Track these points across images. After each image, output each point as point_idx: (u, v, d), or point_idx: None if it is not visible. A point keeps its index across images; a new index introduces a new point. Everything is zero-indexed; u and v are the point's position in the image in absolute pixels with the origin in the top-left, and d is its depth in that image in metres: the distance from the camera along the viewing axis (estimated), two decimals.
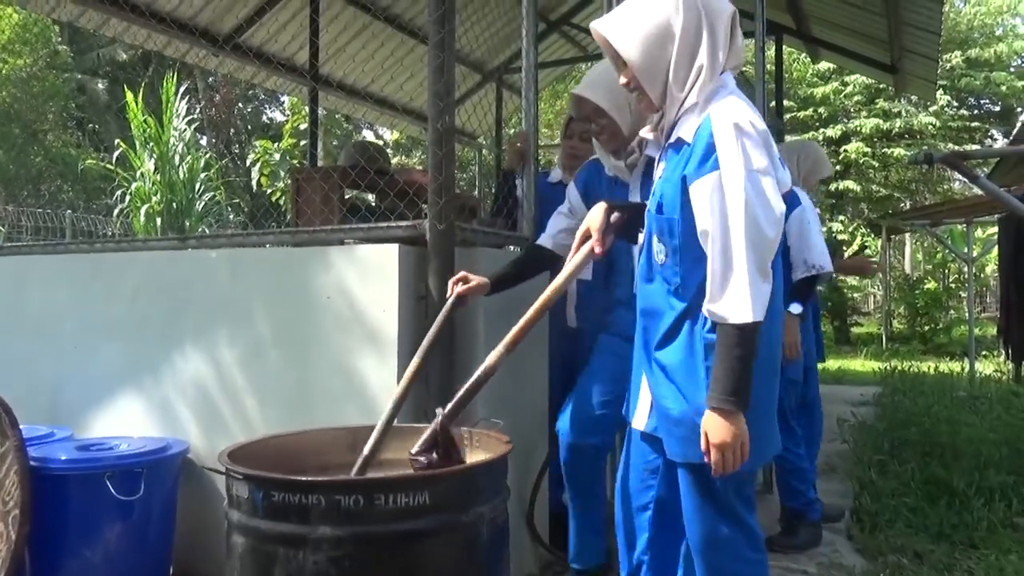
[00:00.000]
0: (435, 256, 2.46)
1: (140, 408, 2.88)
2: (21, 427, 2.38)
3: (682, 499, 1.81)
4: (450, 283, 2.27)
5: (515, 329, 1.93)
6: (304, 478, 1.72)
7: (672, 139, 1.78)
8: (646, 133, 1.91)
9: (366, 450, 1.96)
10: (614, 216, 1.93)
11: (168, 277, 2.90)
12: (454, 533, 1.66)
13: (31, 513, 2.28)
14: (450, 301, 2.23)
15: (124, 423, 2.89)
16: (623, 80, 1.82)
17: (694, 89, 1.72)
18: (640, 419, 1.89)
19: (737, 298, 1.59)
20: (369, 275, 2.48)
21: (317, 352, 2.55)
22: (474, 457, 1.99)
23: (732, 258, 1.60)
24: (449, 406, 1.91)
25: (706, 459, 1.64)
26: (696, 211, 1.67)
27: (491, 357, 1.93)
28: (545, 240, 2.52)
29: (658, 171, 1.87)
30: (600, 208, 1.94)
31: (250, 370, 2.67)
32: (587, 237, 1.94)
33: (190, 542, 2.69)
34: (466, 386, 1.93)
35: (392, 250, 2.45)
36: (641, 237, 1.92)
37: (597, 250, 1.91)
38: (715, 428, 1.62)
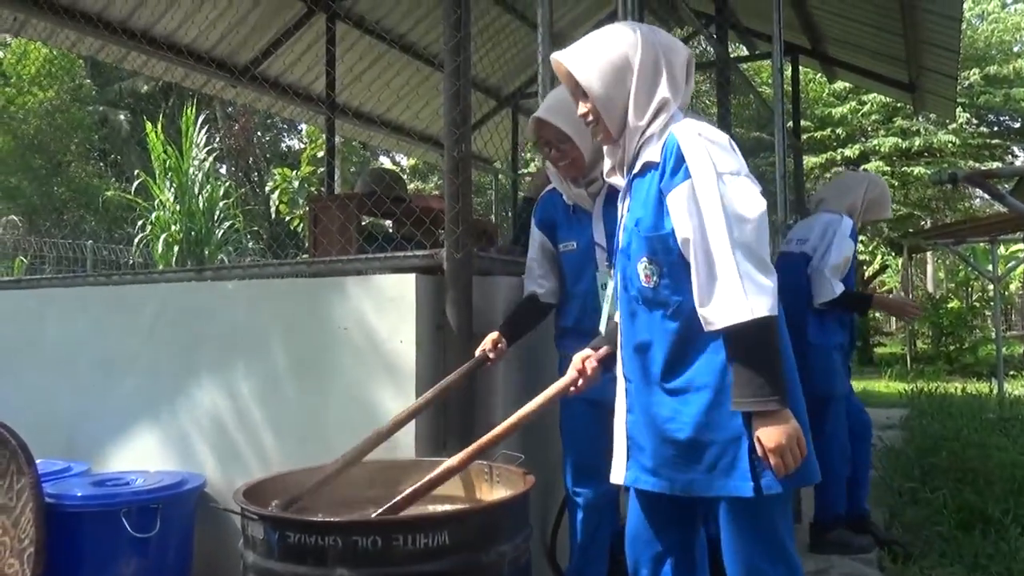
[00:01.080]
0: (453, 285, 2.43)
1: (157, 441, 2.86)
2: (38, 461, 2.37)
3: (723, 535, 1.73)
4: (487, 343, 2.30)
5: (483, 439, 1.86)
6: (320, 519, 1.68)
7: (637, 168, 1.77)
8: (608, 177, 1.89)
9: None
10: (602, 351, 1.95)
11: (185, 309, 2.89)
12: (475, 574, 1.61)
13: (46, 552, 2.26)
14: (474, 360, 2.25)
15: (141, 456, 2.87)
16: (582, 110, 1.82)
17: (657, 120, 1.74)
18: (618, 472, 1.81)
19: (730, 297, 1.55)
20: (386, 305, 2.45)
21: (334, 384, 2.52)
22: (495, 493, 1.94)
23: (715, 260, 1.58)
24: (394, 501, 1.78)
25: (768, 463, 1.57)
26: (675, 221, 1.66)
27: (456, 459, 1.83)
28: (536, 288, 2.52)
29: (624, 205, 1.84)
30: (587, 349, 1.98)
31: (267, 402, 2.64)
32: (575, 369, 1.96)
33: (205, 573, 2.64)
34: (422, 482, 1.80)
35: (409, 280, 2.42)
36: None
37: (573, 389, 1.95)
38: (765, 432, 1.56)
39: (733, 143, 1.70)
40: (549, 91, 3.20)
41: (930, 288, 21.28)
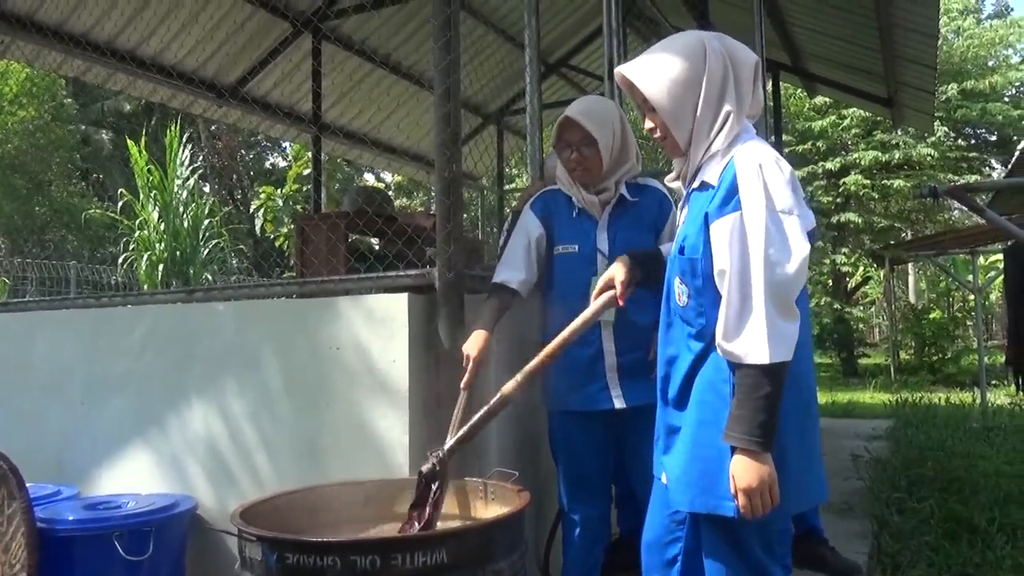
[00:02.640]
0: (445, 304, 2.44)
1: (148, 463, 2.84)
2: (28, 485, 2.35)
3: (704, 554, 1.76)
4: (468, 363, 2.30)
5: (534, 362, 2.00)
6: (318, 539, 1.68)
7: (696, 183, 1.78)
8: (670, 181, 1.91)
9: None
10: (638, 271, 2.00)
11: (175, 330, 2.88)
12: None
13: None
14: (468, 375, 2.29)
15: (132, 479, 2.85)
16: (649, 124, 1.82)
17: (721, 134, 1.73)
18: (660, 470, 1.86)
19: (754, 338, 1.57)
20: (378, 325, 2.47)
21: (327, 404, 2.52)
22: (491, 511, 1.95)
23: (750, 297, 1.58)
24: (465, 429, 1.99)
25: (736, 501, 1.60)
26: (715, 250, 1.66)
27: (508, 387, 1.99)
28: (510, 279, 2.49)
29: (681, 216, 1.87)
30: (624, 260, 2.02)
31: (259, 423, 2.64)
32: (608, 286, 1.99)
33: None
34: (481, 413, 1.99)
35: (401, 299, 2.43)
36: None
37: (620, 303, 1.97)
38: (741, 471, 1.58)
39: (795, 177, 1.69)
40: (537, 109, 3.26)
41: (912, 299, 21.51)
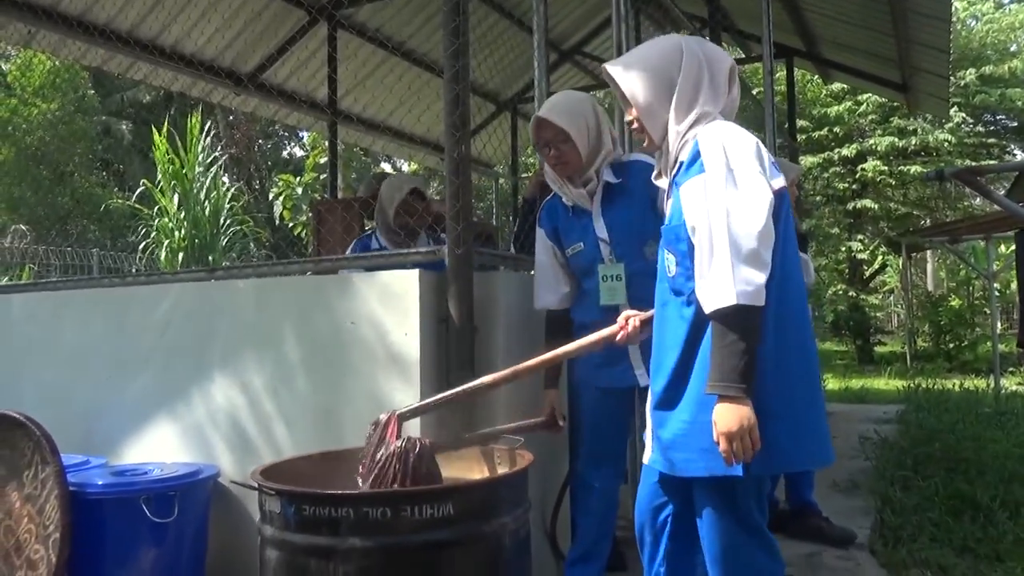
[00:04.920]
0: (454, 280, 2.54)
1: (172, 435, 2.97)
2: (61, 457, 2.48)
3: (699, 513, 1.85)
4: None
5: (522, 366, 2.08)
6: (333, 491, 1.79)
7: (675, 170, 1.90)
8: (655, 181, 2.01)
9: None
10: (648, 314, 2.07)
11: (197, 308, 3.00)
12: (477, 543, 1.73)
13: (71, 536, 2.37)
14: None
15: (156, 449, 2.98)
16: (628, 118, 1.96)
17: (693, 130, 1.85)
18: (647, 454, 1.95)
19: (718, 283, 1.66)
20: (391, 300, 2.57)
21: (343, 376, 2.63)
22: (497, 472, 2.05)
23: (714, 245, 1.69)
24: (408, 408, 2.08)
25: (719, 447, 1.68)
26: (686, 210, 1.78)
27: (488, 377, 2.06)
28: (551, 301, 2.65)
29: (668, 205, 1.96)
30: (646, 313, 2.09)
31: (278, 395, 2.76)
32: (624, 320, 2.10)
33: (222, 564, 2.75)
34: (435, 398, 2.09)
35: (413, 276, 2.53)
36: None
37: (619, 341, 2.09)
38: (720, 416, 1.67)
39: (759, 145, 1.80)
40: (545, 94, 3.33)
41: (930, 287, 21.34)
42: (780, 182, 1.80)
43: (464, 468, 2.19)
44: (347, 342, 2.62)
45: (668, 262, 1.87)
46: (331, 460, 2.15)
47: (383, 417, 1.99)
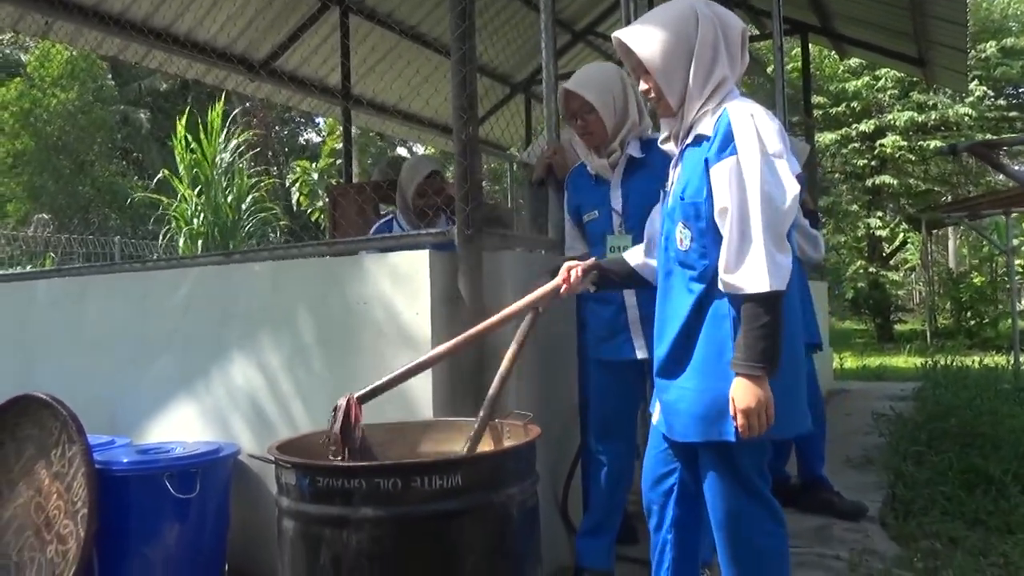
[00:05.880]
0: (464, 260, 2.59)
1: (194, 415, 3.05)
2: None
3: (703, 478, 1.90)
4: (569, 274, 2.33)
5: (465, 334, 2.14)
6: (346, 463, 1.85)
7: (690, 139, 1.91)
8: (663, 145, 2.02)
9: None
10: (588, 263, 2.18)
11: (215, 291, 3.07)
12: (486, 513, 1.78)
13: (98, 512, 2.45)
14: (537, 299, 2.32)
15: (178, 429, 3.07)
16: (644, 87, 1.95)
17: (714, 96, 1.86)
18: (655, 416, 2.00)
19: (754, 269, 1.70)
20: (402, 281, 2.62)
21: (356, 355, 2.69)
22: (506, 445, 2.10)
23: (749, 232, 1.72)
24: (366, 390, 2.10)
25: (735, 422, 1.73)
26: (715, 191, 1.79)
27: (427, 355, 2.13)
28: (579, 252, 2.73)
29: (675, 173, 1.99)
30: (590, 261, 2.18)
31: (294, 375, 2.83)
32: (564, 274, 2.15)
33: (242, 538, 2.84)
34: (389, 377, 2.11)
35: (423, 256, 2.58)
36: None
37: (562, 293, 2.16)
38: (741, 393, 1.72)
39: (783, 129, 1.82)
40: (554, 76, 3.36)
41: (951, 264, 21.12)
42: (796, 167, 1.83)
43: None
44: (359, 322, 2.68)
45: (681, 235, 1.89)
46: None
47: (341, 402, 2.04)
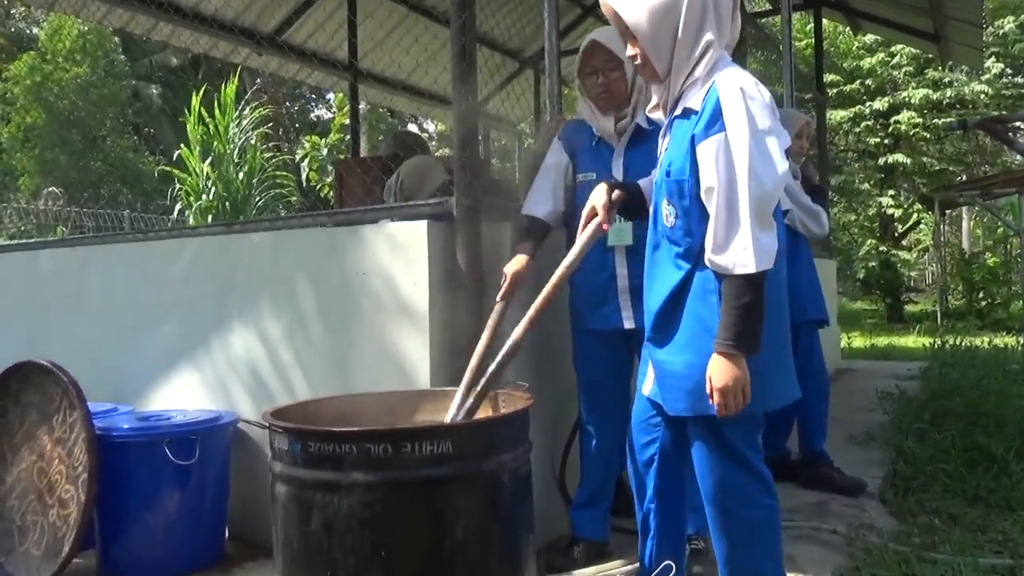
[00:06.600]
0: (462, 230, 2.58)
1: (195, 384, 3.08)
2: (88, 404, 2.59)
3: (693, 451, 1.90)
4: (506, 280, 2.41)
5: (535, 306, 2.06)
6: (337, 429, 1.86)
7: (678, 111, 1.87)
8: (651, 112, 1.99)
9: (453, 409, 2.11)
10: (615, 194, 2.04)
11: (217, 260, 3.09)
12: (477, 480, 1.79)
13: (98, 477, 2.49)
14: (506, 287, 2.39)
15: (180, 398, 3.10)
16: (630, 52, 1.91)
17: (701, 62, 1.82)
18: (647, 385, 2.00)
19: (741, 250, 1.69)
20: (401, 251, 2.62)
21: (354, 325, 2.70)
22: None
23: (737, 212, 1.70)
24: (483, 381, 2.07)
25: (710, 401, 1.73)
26: (702, 169, 1.76)
27: (517, 331, 2.06)
28: (541, 212, 2.61)
29: (663, 143, 1.96)
30: (602, 188, 2.05)
31: (294, 344, 2.84)
32: (592, 215, 2.04)
33: (243, 506, 2.87)
34: (497, 361, 2.06)
35: (421, 227, 2.57)
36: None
37: (605, 227, 2.03)
38: (718, 372, 1.72)
39: (773, 101, 1.78)
40: (556, 49, 3.33)
41: (965, 245, 20.93)
42: (787, 141, 1.80)
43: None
44: (358, 292, 2.69)
45: (667, 212, 1.87)
46: (341, 404, 2.23)
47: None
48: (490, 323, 2.31)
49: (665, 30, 1.81)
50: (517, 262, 2.47)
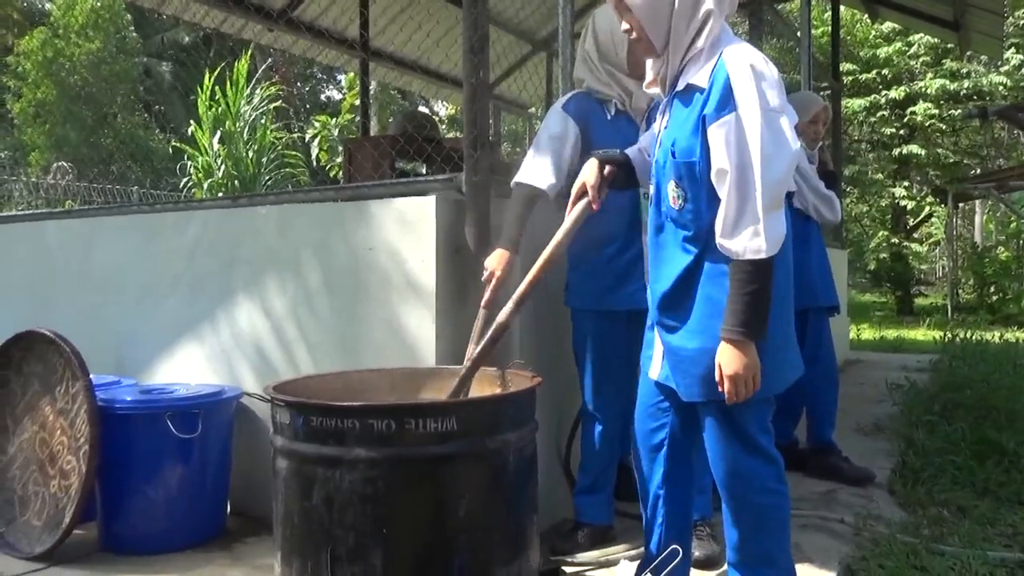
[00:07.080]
0: (471, 207, 2.54)
1: (200, 358, 3.06)
2: (92, 376, 2.57)
3: (705, 436, 1.86)
4: (490, 280, 2.31)
5: (521, 288, 2.00)
6: (340, 403, 1.83)
7: (680, 87, 1.80)
8: (649, 87, 1.93)
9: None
10: (607, 170, 1.98)
11: (222, 234, 3.05)
12: (481, 458, 1.76)
13: (100, 448, 2.47)
14: (489, 293, 2.30)
15: (184, 372, 3.07)
16: (625, 26, 1.84)
17: (702, 34, 1.75)
18: (655, 369, 1.95)
19: (752, 235, 1.64)
20: (408, 227, 2.58)
21: (361, 300, 2.67)
22: None
23: (748, 196, 1.65)
24: (468, 365, 2.02)
25: (720, 388, 1.69)
26: (713, 151, 1.70)
27: (502, 314, 2.00)
28: (542, 183, 2.43)
29: (663, 121, 1.88)
30: (593, 164, 1.98)
31: (299, 319, 2.81)
32: (583, 193, 1.97)
33: (246, 480, 2.85)
34: (482, 343, 2.01)
35: (429, 202, 2.53)
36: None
37: (595, 207, 1.97)
38: (728, 359, 1.68)
39: (781, 80, 1.73)
40: (570, 31, 3.27)
41: (977, 239, 20.75)
42: (795, 118, 1.75)
43: (477, 389, 2.21)
44: (365, 268, 2.65)
45: (673, 195, 1.80)
46: (345, 380, 2.20)
47: None
48: (474, 333, 2.23)
49: (661, 2, 1.74)
50: (499, 259, 2.32)
